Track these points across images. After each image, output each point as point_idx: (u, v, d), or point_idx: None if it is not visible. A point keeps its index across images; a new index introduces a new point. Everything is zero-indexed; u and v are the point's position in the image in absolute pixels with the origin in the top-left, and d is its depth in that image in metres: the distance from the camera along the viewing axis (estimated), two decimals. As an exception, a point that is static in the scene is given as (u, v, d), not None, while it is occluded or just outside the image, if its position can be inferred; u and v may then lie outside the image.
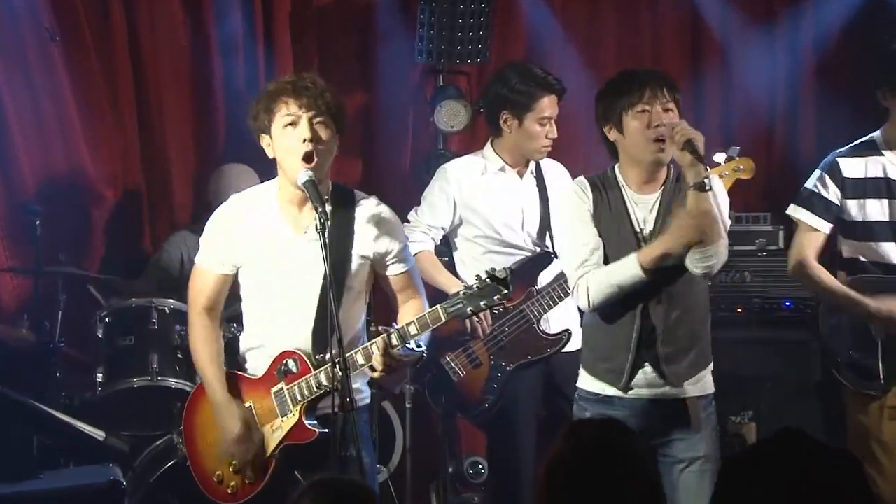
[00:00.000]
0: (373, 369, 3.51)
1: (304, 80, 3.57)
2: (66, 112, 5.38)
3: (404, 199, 4.83)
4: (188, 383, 4.75)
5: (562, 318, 4.54)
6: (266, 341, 3.66)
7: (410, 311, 3.68)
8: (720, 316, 4.98)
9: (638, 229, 3.66)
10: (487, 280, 3.42)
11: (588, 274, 3.62)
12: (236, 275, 3.72)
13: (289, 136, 3.52)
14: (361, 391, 3.69)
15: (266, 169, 4.00)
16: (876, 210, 4.23)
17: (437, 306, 3.48)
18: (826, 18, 5.91)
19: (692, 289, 3.67)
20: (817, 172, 4.29)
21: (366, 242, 3.63)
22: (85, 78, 5.42)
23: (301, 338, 3.59)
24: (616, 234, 3.64)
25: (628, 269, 3.57)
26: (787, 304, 5.37)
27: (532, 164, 4.69)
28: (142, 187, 5.59)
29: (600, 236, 3.66)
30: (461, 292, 3.45)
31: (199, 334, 3.71)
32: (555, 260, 4.52)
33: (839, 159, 4.26)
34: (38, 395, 4.61)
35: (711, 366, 3.75)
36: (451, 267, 4.71)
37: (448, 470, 5.08)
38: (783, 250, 5.44)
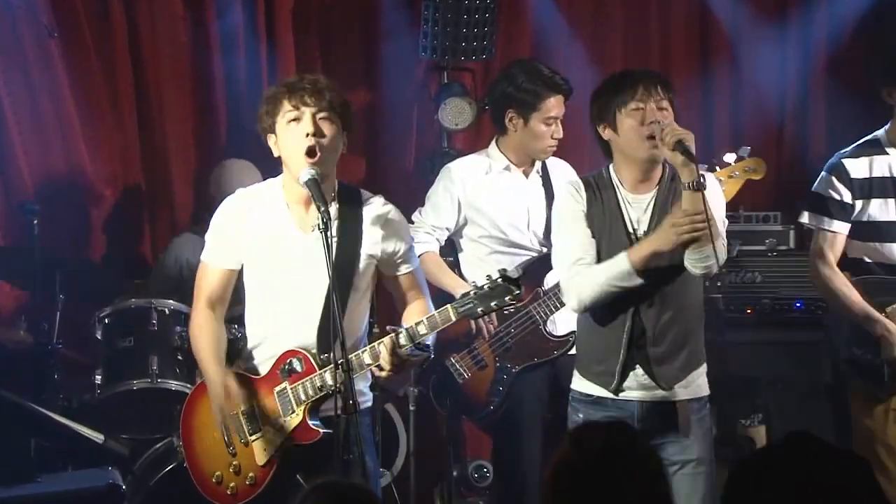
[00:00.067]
0: (380, 369, 3.52)
1: (307, 79, 3.58)
2: (65, 110, 5.40)
3: (408, 198, 4.83)
4: (188, 385, 4.75)
5: (568, 320, 4.53)
6: (269, 340, 3.67)
7: (415, 311, 3.70)
8: (729, 317, 4.98)
9: (631, 230, 3.68)
10: (499, 280, 3.43)
11: (578, 274, 3.64)
12: (241, 271, 3.73)
13: (292, 131, 3.54)
14: (364, 394, 3.70)
15: (268, 167, 4.01)
16: (881, 210, 4.23)
17: (448, 306, 3.49)
18: (839, 12, 5.90)
19: (686, 289, 3.69)
20: (824, 175, 4.29)
21: (373, 242, 3.65)
22: (84, 75, 5.43)
23: (305, 337, 3.60)
24: (609, 234, 3.67)
25: (618, 268, 3.59)
26: (798, 304, 5.36)
27: (538, 164, 4.69)
28: (142, 186, 5.60)
29: (594, 236, 3.68)
30: (472, 292, 3.46)
31: (199, 321, 3.72)
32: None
33: (844, 160, 4.26)
34: (36, 398, 4.62)
35: (705, 367, 3.77)
36: (455, 268, 4.71)
37: (452, 474, 5.08)
38: (794, 250, 5.44)
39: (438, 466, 5.13)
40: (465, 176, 4.67)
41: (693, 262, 3.58)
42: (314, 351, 3.58)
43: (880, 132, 4.27)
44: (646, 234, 3.65)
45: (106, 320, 4.94)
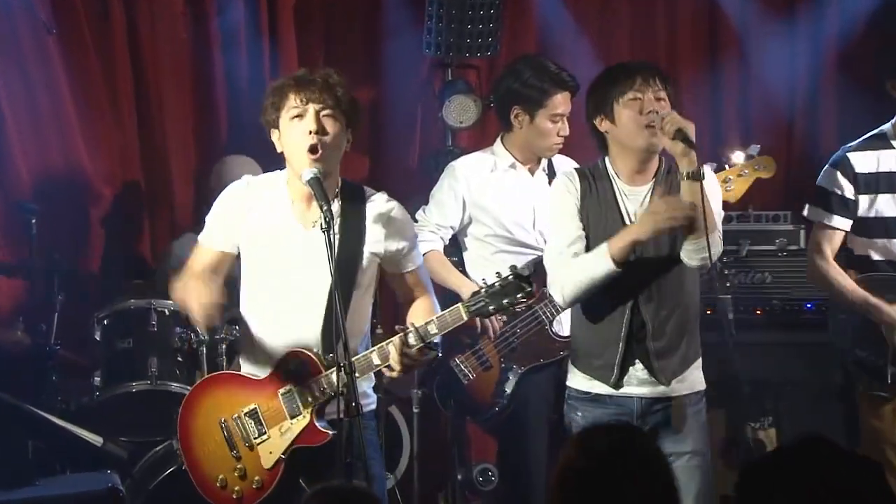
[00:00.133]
0: (390, 369, 3.53)
1: (313, 74, 3.59)
2: (64, 108, 5.40)
3: (412, 196, 4.83)
4: (188, 387, 4.74)
5: (574, 320, 4.54)
6: (268, 341, 3.66)
7: (420, 309, 3.71)
8: (739, 318, 4.98)
9: (628, 221, 3.71)
10: (510, 277, 3.44)
11: (562, 267, 3.67)
12: (237, 258, 3.70)
13: (295, 128, 3.54)
14: (368, 396, 3.70)
15: (269, 165, 4.00)
16: (889, 205, 4.23)
17: (458, 305, 3.50)
18: (850, 7, 5.89)
19: (683, 283, 3.73)
20: (828, 169, 4.29)
21: (376, 239, 3.65)
22: (83, 72, 5.44)
23: (308, 337, 3.59)
24: (604, 226, 3.70)
25: (599, 260, 3.63)
26: (809, 306, 5.36)
27: (544, 161, 4.69)
28: (141, 185, 5.61)
29: (587, 229, 3.72)
30: (483, 290, 3.46)
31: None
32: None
33: (849, 154, 4.26)
34: (33, 400, 4.61)
35: (700, 360, 3.82)
36: (460, 267, 4.71)
37: (457, 477, 5.08)
38: (804, 250, 5.43)
39: (442, 469, 5.13)
40: (469, 174, 4.67)
41: (689, 254, 3.63)
42: (317, 351, 3.58)
43: (887, 126, 4.27)
44: None
45: (105, 321, 4.94)
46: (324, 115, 3.53)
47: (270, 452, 3.61)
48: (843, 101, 5.93)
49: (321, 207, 3.40)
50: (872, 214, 4.23)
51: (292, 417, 3.58)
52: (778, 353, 5.31)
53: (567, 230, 3.72)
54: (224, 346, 4.92)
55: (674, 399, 3.74)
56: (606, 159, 3.79)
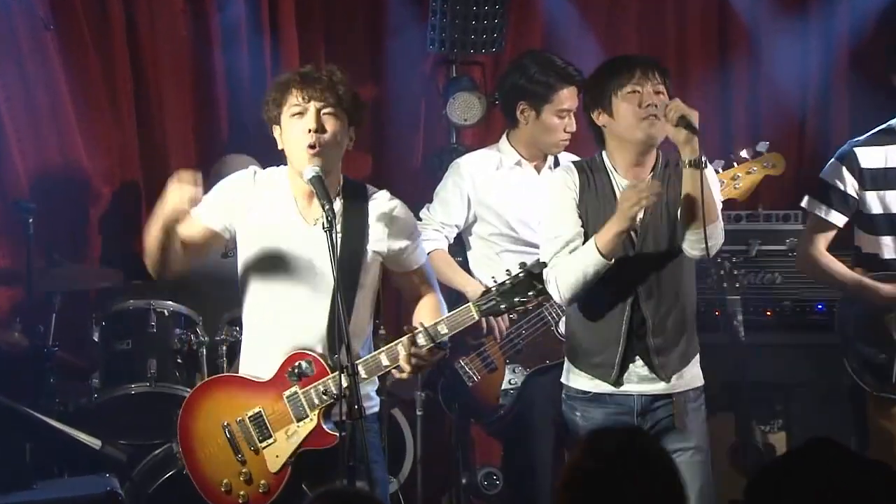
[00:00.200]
0: (399, 370, 3.53)
1: (316, 71, 3.60)
2: (62, 106, 5.41)
3: (416, 195, 4.83)
4: (188, 389, 4.75)
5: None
6: (270, 341, 3.65)
7: (426, 307, 3.72)
8: (748, 319, 4.97)
9: None
10: (521, 274, 3.44)
11: (556, 265, 3.69)
12: (223, 239, 3.69)
13: (295, 125, 3.56)
14: (371, 398, 3.70)
15: (271, 165, 4.01)
16: None
17: (469, 304, 3.51)
18: (862, 4, 5.88)
19: (682, 278, 3.77)
20: (833, 162, 4.30)
21: (379, 238, 3.66)
22: (81, 70, 5.45)
23: (309, 338, 3.60)
24: (603, 220, 3.71)
25: (588, 255, 3.65)
26: (820, 307, 5.35)
27: (550, 159, 4.69)
28: (140, 184, 5.61)
29: (585, 224, 3.73)
30: (493, 288, 3.47)
31: None
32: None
33: (856, 149, 4.26)
34: (31, 402, 4.63)
35: (698, 356, 3.85)
36: (464, 267, 4.71)
37: (461, 481, 5.08)
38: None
39: (446, 473, 5.13)
40: (474, 171, 4.67)
41: (691, 244, 3.67)
42: (325, 352, 3.57)
43: (895, 121, 4.26)
44: (641, 221, 3.71)
45: (103, 322, 4.96)
46: (325, 114, 3.55)
47: (277, 456, 3.61)
48: (855, 98, 5.93)
49: (323, 206, 3.41)
50: (881, 211, 4.23)
51: (299, 420, 3.58)
52: (788, 354, 5.31)
53: (565, 226, 3.74)
54: (225, 348, 4.93)
55: (675, 395, 3.77)
56: (604, 153, 3.82)
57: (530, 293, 3.45)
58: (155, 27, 5.58)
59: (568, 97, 4.56)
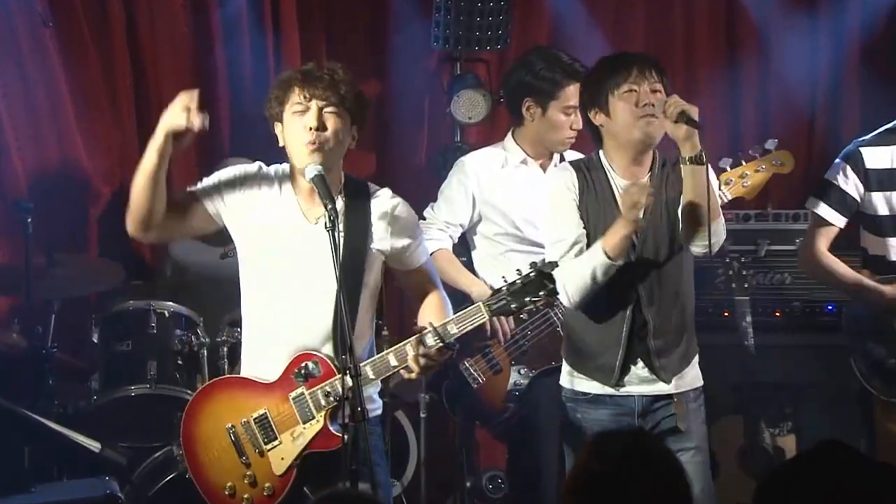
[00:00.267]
0: (408, 370, 3.53)
1: (318, 70, 3.61)
2: (62, 105, 5.42)
3: (419, 193, 4.84)
4: (188, 391, 4.76)
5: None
6: (270, 342, 3.65)
7: (432, 306, 3.72)
8: (757, 320, 4.97)
9: None
10: (531, 273, 3.44)
11: (562, 269, 3.67)
12: (210, 219, 3.67)
13: (296, 123, 3.57)
14: (374, 401, 3.70)
15: (273, 163, 4.01)
16: None
17: (479, 303, 3.52)
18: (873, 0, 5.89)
19: (681, 280, 3.79)
20: (838, 162, 4.30)
21: (382, 236, 3.66)
22: (81, 68, 5.46)
23: (312, 338, 3.60)
24: (604, 222, 3.72)
25: (594, 258, 3.66)
26: (830, 307, 5.34)
27: (556, 157, 4.68)
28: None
29: (586, 225, 3.74)
30: (503, 288, 3.48)
31: None
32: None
33: (862, 149, 4.25)
34: (30, 404, 4.63)
35: (697, 358, 3.87)
36: (469, 267, 4.71)
37: (465, 484, 5.07)
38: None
39: (450, 476, 5.13)
40: (479, 169, 4.67)
41: (693, 242, 3.68)
42: (330, 353, 3.57)
43: None
44: (640, 221, 3.72)
45: (103, 323, 4.96)
46: (326, 112, 3.56)
47: (282, 458, 3.61)
48: (866, 94, 5.92)
49: (325, 206, 3.41)
50: (887, 213, 4.22)
51: (305, 422, 3.58)
52: (798, 355, 5.30)
53: (568, 229, 3.75)
54: (226, 349, 4.93)
55: (676, 396, 3.78)
56: (601, 152, 3.83)
57: (541, 292, 3.45)
58: (155, 24, 5.58)
59: (574, 94, 4.53)
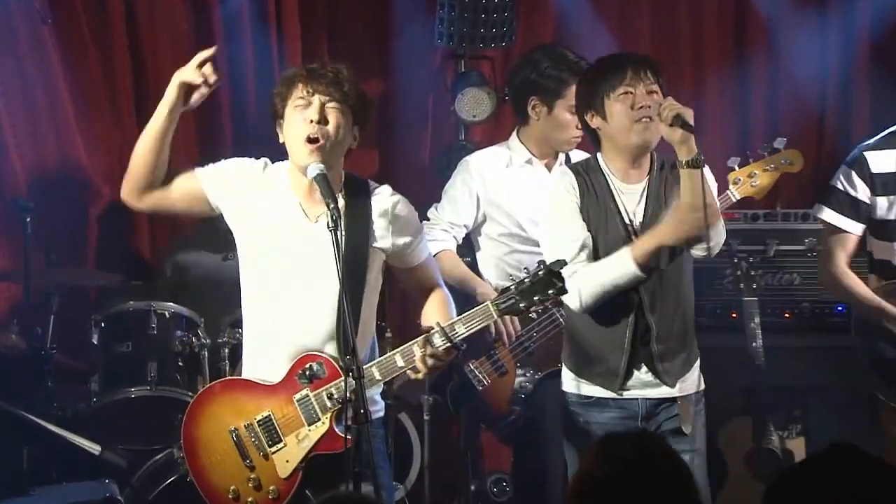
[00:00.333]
0: (415, 371, 3.54)
1: (322, 68, 3.62)
2: (61, 103, 5.42)
3: (423, 192, 4.84)
4: (189, 393, 4.77)
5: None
6: (270, 342, 3.65)
7: (435, 304, 3.73)
8: (765, 321, 4.97)
9: (628, 221, 3.75)
10: (540, 272, 3.44)
11: (577, 273, 3.67)
12: (206, 205, 3.69)
13: (297, 117, 3.58)
14: (376, 402, 3.71)
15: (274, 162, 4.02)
16: None
17: (487, 303, 3.52)
18: (885, -5, 5.89)
19: (681, 281, 3.79)
20: (843, 168, 4.28)
21: (383, 234, 3.67)
22: (80, 66, 5.46)
23: (313, 338, 3.60)
24: (606, 226, 3.73)
25: (622, 265, 3.66)
26: (840, 308, 5.33)
27: (561, 156, 4.68)
28: (140, 183, 5.61)
29: (589, 229, 3.74)
30: (512, 287, 3.48)
31: None
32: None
33: (866, 153, 4.24)
34: (28, 406, 4.64)
35: (699, 361, 3.88)
36: (473, 268, 4.71)
37: (470, 487, 5.08)
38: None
39: (455, 479, 5.13)
40: (484, 169, 4.67)
41: (693, 245, 3.69)
42: (335, 354, 3.57)
43: None
44: (642, 225, 3.73)
45: (102, 324, 4.96)
46: (329, 107, 3.57)
47: (287, 461, 3.61)
48: (876, 92, 5.91)
49: (328, 205, 3.42)
50: (893, 217, 4.21)
51: (310, 424, 3.58)
52: (807, 357, 5.29)
53: (573, 233, 3.74)
54: (227, 350, 4.94)
55: (679, 399, 3.80)
56: (599, 155, 3.82)
57: (550, 291, 3.45)
58: (155, 21, 5.59)
59: (581, 92, 4.55)
